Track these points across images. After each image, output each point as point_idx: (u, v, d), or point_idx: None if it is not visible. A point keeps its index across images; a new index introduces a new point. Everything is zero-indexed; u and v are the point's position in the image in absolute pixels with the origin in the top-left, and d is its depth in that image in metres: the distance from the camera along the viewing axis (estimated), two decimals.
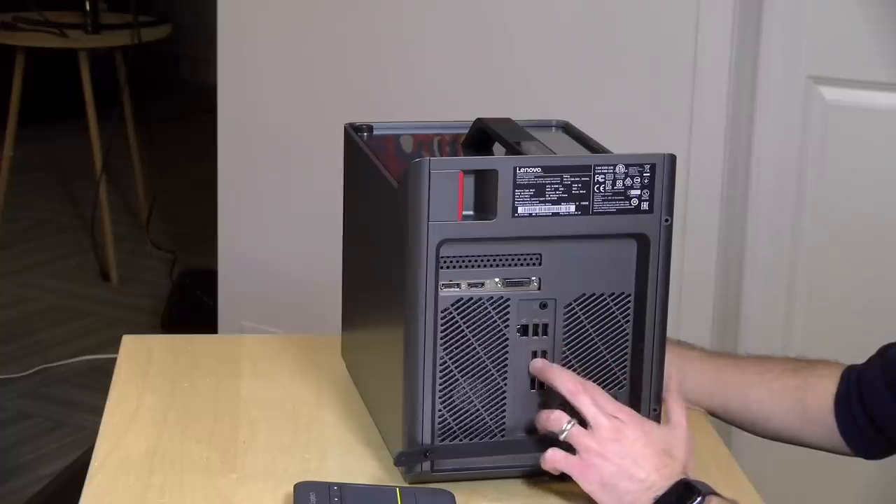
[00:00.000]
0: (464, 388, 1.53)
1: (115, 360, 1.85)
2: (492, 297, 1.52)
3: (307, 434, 1.67)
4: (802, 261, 2.80)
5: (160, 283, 4.47)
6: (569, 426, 1.50)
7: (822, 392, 1.69)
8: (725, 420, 1.76)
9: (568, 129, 1.73)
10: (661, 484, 1.47)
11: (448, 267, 1.50)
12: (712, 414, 1.76)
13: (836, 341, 2.67)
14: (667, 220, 1.53)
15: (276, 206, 3.43)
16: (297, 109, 3.34)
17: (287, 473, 1.57)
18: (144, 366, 1.83)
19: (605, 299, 1.54)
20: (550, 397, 1.54)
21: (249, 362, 1.88)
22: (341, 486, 1.49)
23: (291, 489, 1.49)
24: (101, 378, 3.56)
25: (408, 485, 1.54)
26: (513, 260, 1.52)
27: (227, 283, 3.55)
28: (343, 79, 3.26)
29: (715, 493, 1.46)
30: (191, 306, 4.07)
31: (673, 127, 2.87)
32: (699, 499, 1.44)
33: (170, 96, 6.46)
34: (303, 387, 1.79)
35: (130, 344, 1.90)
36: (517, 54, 3.06)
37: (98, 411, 1.72)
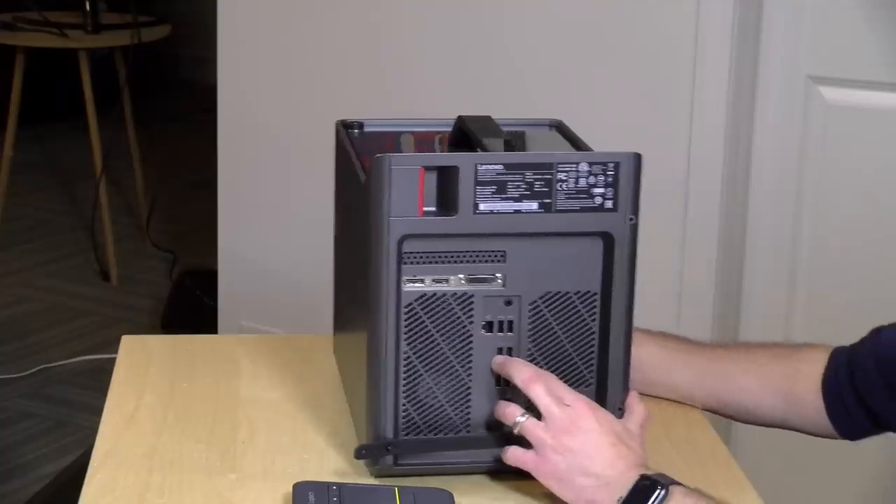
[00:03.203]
0: (428, 383, 1.53)
1: (114, 360, 1.85)
2: (455, 294, 1.52)
3: (306, 434, 1.67)
4: (802, 260, 2.80)
5: (160, 283, 4.47)
6: (522, 419, 1.50)
7: (810, 375, 1.68)
8: (716, 411, 1.75)
9: (561, 128, 1.72)
10: (619, 481, 1.45)
11: (411, 262, 1.50)
12: (703, 407, 1.74)
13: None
14: (632, 219, 1.52)
15: (276, 206, 3.43)
16: (296, 109, 3.34)
17: (286, 473, 1.57)
18: (144, 366, 1.83)
19: (570, 297, 1.54)
20: (515, 393, 1.53)
21: (249, 362, 1.87)
22: (340, 486, 1.49)
23: (290, 489, 1.49)
24: (101, 378, 3.56)
25: (407, 485, 1.54)
26: (476, 256, 1.52)
27: (227, 283, 3.55)
28: (343, 79, 3.25)
29: (677, 483, 1.44)
30: (191, 306, 4.06)
31: (673, 127, 2.87)
32: (663, 492, 1.43)
33: (170, 96, 6.46)
34: (302, 387, 1.79)
35: (130, 344, 1.90)
36: (516, 54, 3.05)
37: (98, 411, 1.72)
